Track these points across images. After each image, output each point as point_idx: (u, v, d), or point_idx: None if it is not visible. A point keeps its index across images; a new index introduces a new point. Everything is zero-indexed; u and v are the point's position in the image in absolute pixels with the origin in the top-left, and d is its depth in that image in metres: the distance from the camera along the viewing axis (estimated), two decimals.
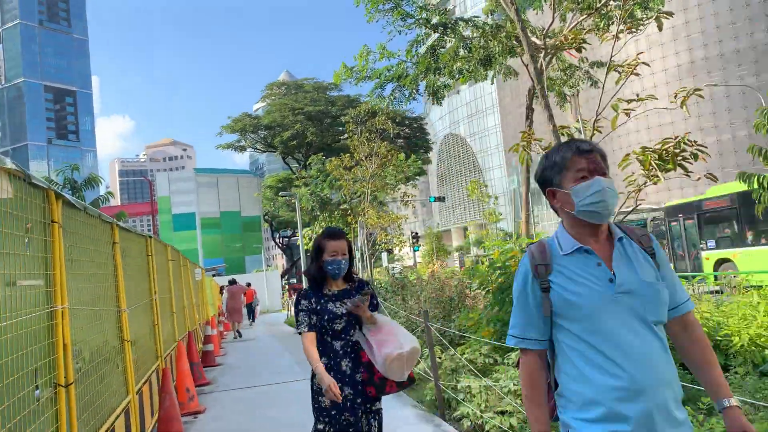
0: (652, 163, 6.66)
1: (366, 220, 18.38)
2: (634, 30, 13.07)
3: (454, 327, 8.91)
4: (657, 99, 7.00)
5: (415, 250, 34.81)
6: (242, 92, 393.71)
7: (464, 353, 7.90)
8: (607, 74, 6.75)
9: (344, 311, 3.87)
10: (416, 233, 34.32)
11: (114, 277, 5.46)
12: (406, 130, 51.66)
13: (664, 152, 6.40)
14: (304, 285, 27.86)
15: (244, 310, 23.80)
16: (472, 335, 8.18)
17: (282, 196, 33.80)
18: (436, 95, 14.42)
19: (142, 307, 7.01)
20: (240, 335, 20.27)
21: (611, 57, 6.75)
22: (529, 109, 13.51)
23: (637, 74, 6.60)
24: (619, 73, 6.54)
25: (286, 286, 57.66)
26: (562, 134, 7.35)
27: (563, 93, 15.29)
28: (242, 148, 56.40)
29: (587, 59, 15.07)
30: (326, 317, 3.82)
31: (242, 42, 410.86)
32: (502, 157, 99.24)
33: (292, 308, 27.61)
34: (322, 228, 29.93)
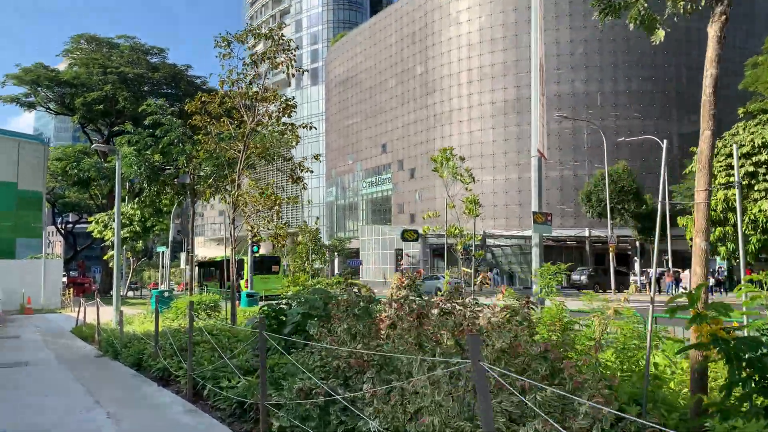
0: None
1: (239, 197, 12.26)
2: None
3: None
4: None
5: (254, 251, 28.41)
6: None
7: None
8: None
9: None
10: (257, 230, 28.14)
11: None
12: None
13: None
14: (97, 278, 20.60)
15: None
16: None
17: (96, 152, 25.59)
18: None
19: None
20: None
21: None
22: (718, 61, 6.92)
23: None
24: None
25: (65, 280, 47.46)
26: None
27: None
28: (31, 105, 45.53)
29: None
30: None
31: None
32: (322, 167, 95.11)
33: (78, 310, 19.55)
34: (107, 212, 22.19)
